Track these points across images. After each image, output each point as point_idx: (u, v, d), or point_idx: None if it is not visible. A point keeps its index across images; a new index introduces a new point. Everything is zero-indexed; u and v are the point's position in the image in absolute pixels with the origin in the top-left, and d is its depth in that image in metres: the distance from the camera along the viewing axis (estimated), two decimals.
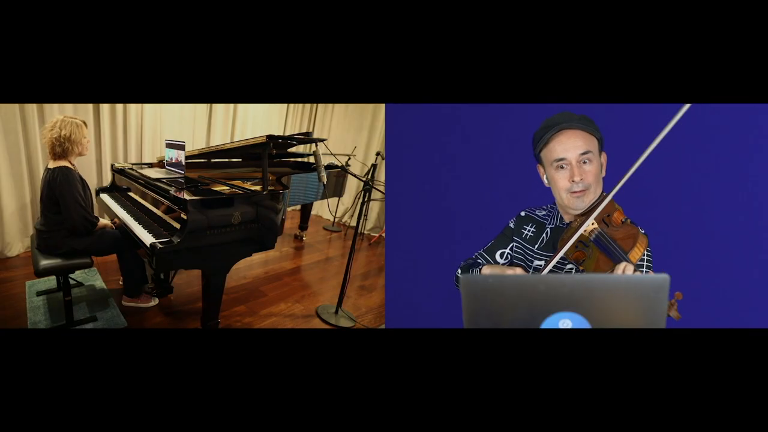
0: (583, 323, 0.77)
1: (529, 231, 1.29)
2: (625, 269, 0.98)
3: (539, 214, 1.30)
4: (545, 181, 1.22)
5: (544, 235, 1.26)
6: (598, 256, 1.06)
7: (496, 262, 1.31)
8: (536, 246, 1.26)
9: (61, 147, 2.07)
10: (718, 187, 1.55)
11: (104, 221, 2.28)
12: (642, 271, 1.12)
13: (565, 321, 0.78)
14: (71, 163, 2.13)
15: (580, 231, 1.08)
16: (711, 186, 1.55)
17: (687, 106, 0.99)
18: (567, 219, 1.23)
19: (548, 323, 0.78)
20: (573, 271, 1.19)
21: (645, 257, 1.13)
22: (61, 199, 2.04)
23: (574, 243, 1.08)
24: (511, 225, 1.32)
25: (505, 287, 0.81)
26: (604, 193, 1.18)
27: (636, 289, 0.79)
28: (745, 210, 1.52)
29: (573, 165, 1.13)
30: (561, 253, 1.08)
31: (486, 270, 1.24)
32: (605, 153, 1.20)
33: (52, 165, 2.09)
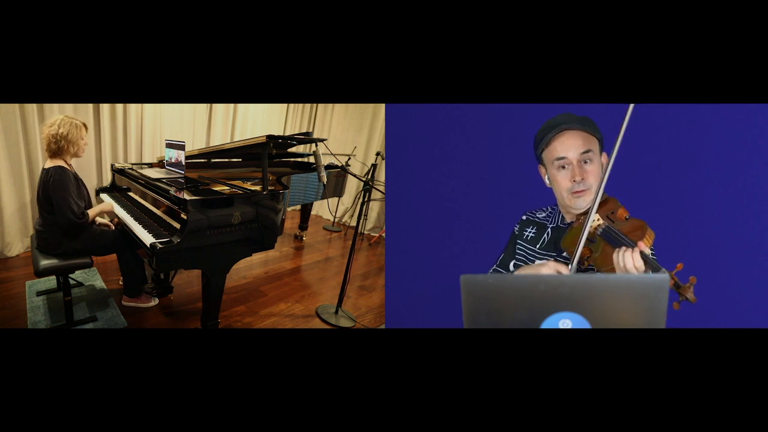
0: (583, 323, 0.77)
1: (530, 233, 1.29)
2: (626, 253, 0.98)
3: (539, 216, 1.31)
4: (547, 181, 1.22)
5: (545, 235, 1.27)
6: (604, 248, 1.06)
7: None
8: (537, 246, 1.27)
9: (57, 145, 2.07)
10: (719, 188, 1.54)
11: (101, 219, 2.27)
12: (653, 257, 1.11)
13: (565, 321, 0.78)
14: (66, 163, 2.13)
15: (586, 230, 1.07)
16: (711, 186, 1.55)
17: (631, 107, 1.02)
18: (569, 219, 1.23)
19: (548, 323, 0.78)
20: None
21: (649, 254, 1.13)
22: (53, 199, 2.04)
23: (583, 243, 1.08)
24: (515, 231, 1.33)
25: (505, 287, 0.81)
26: (605, 194, 1.18)
27: (636, 289, 0.79)
28: (745, 210, 1.52)
29: (574, 165, 1.14)
30: (576, 257, 1.07)
31: (521, 272, 1.21)
32: (606, 153, 1.20)
33: (48, 164, 2.09)
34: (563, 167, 1.16)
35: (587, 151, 1.14)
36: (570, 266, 1.07)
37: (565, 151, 1.15)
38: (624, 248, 1.00)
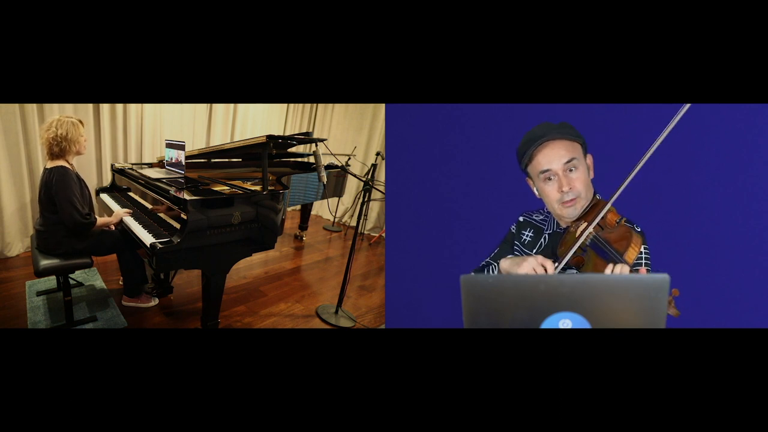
0: (583, 323, 0.77)
1: (527, 236, 1.29)
2: (615, 270, 0.98)
3: (537, 218, 1.30)
4: (536, 193, 1.22)
5: (542, 240, 1.26)
6: (595, 260, 1.06)
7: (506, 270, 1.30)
8: (534, 251, 1.26)
9: (59, 146, 2.07)
10: (718, 187, 1.54)
11: (105, 219, 2.26)
12: (643, 268, 1.11)
13: (565, 321, 0.78)
14: (69, 163, 2.13)
15: (580, 241, 1.07)
16: (711, 186, 1.55)
17: (686, 107, 0.99)
18: (563, 224, 1.23)
19: (548, 323, 0.78)
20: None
21: (643, 254, 1.13)
22: (56, 199, 2.04)
23: (571, 254, 1.08)
24: (512, 230, 1.33)
25: (505, 287, 0.81)
26: (598, 196, 1.18)
27: (636, 289, 0.79)
28: (745, 210, 1.52)
29: (560, 175, 1.14)
30: (564, 262, 1.07)
31: (505, 263, 1.17)
32: (591, 155, 1.20)
33: (49, 165, 2.09)
34: (549, 179, 1.15)
35: (571, 160, 1.13)
36: (556, 268, 1.08)
37: (548, 163, 1.14)
38: (615, 266, 1.00)
